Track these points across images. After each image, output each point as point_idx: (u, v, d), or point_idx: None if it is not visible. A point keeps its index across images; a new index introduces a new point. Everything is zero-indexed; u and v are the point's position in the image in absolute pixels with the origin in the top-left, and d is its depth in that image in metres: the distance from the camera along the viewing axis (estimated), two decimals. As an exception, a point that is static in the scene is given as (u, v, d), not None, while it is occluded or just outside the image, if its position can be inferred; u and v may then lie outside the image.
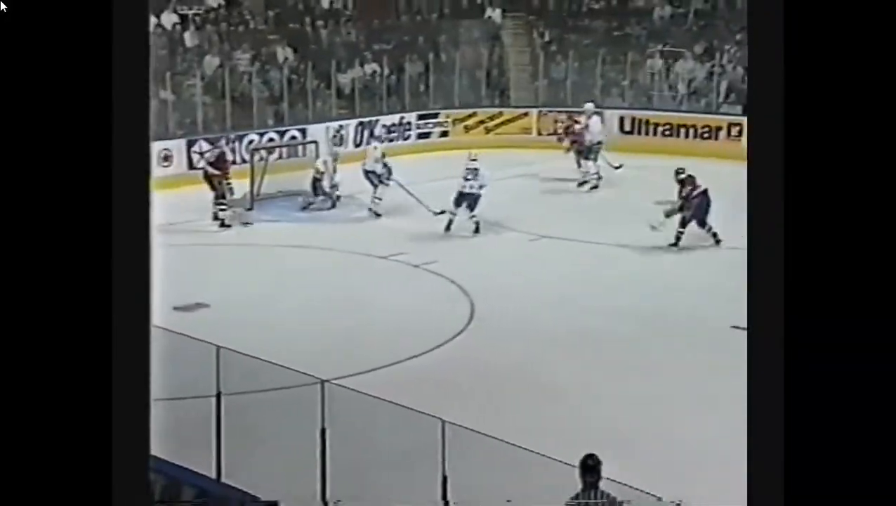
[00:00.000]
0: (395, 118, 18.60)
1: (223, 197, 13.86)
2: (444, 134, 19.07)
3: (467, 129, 19.35)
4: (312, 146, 16.41)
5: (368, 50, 19.39)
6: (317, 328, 10.13)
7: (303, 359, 7.88)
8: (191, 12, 18.13)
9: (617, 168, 16.46)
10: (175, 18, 17.82)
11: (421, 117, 18.98)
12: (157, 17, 17.54)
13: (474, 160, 13.60)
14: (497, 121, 19.50)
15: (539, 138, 19.09)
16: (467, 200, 13.32)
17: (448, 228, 13.33)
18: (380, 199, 14.43)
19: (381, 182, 14.48)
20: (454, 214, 13.34)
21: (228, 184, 14.00)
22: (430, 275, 11.94)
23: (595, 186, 16.01)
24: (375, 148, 15.30)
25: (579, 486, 5.33)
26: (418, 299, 11.14)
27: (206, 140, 16.14)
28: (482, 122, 19.46)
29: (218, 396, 7.01)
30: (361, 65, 18.98)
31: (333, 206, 14.87)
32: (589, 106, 16.77)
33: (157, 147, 15.82)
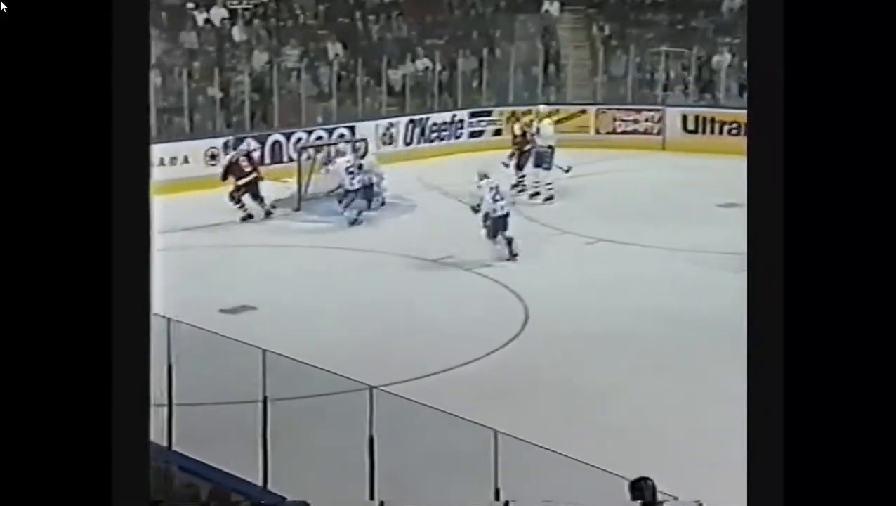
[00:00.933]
0: (447, 116, 18.62)
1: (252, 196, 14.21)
2: (498, 132, 19.04)
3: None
4: (361, 144, 16.52)
5: (420, 45, 19.42)
6: (366, 332, 10.21)
7: (351, 364, 7.98)
8: (240, 7, 18.25)
9: (567, 171, 15.54)
10: (224, 14, 17.97)
11: (473, 115, 18.96)
12: (207, 11, 17.80)
13: (486, 177, 12.76)
14: (553, 118, 19.37)
15: (597, 137, 19.03)
16: (498, 224, 12.51)
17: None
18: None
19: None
20: (495, 244, 12.50)
21: (243, 188, 14.19)
22: (482, 279, 11.97)
23: (550, 198, 15.22)
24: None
25: None
26: (469, 304, 11.19)
27: (254, 138, 16.34)
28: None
29: (264, 401, 7.13)
30: (413, 60, 19.03)
31: (383, 203, 14.89)
32: (542, 108, 16.49)
33: (204, 145, 16.09)
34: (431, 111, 18.56)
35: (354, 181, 14.24)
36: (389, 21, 19.73)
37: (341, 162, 14.43)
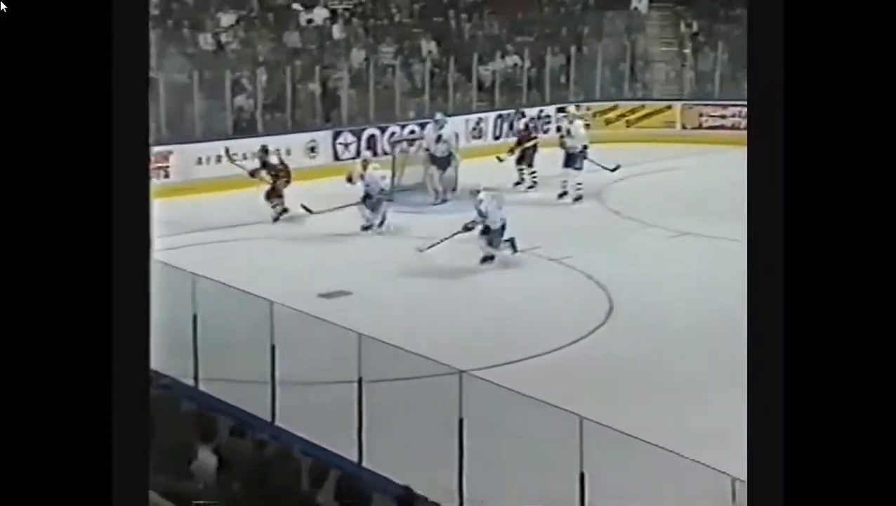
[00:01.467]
0: (535, 111, 18.55)
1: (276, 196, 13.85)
2: (586, 127, 18.91)
3: (608, 122, 19.17)
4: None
5: (510, 42, 19.41)
6: (455, 319, 10.29)
7: (441, 348, 8.05)
8: (340, 7, 18.49)
9: (613, 170, 15.20)
10: (325, 13, 18.21)
11: (560, 110, 18.79)
12: (310, 11, 18.08)
13: (478, 192, 12.38)
14: (639, 114, 19.25)
15: (683, 132, 18.78)
16: (498, 234, 12.15)
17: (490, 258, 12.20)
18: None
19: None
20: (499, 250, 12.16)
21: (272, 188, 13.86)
22: (567, 269, 11.94)
23: (578, 198, 14.81)
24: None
25: None
26: (555, 294, 11.17)
27: (351, 132, 16.55)
28: (623, 115, 19.24)
29: (359, 382, 7.24)
30: (502, 57, 19.01)
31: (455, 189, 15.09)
32: (572, 108, 16.10)
33: (304, 138, 16.35)
34: (521, 106, 18.49)
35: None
36: (481, 19, 19.75)
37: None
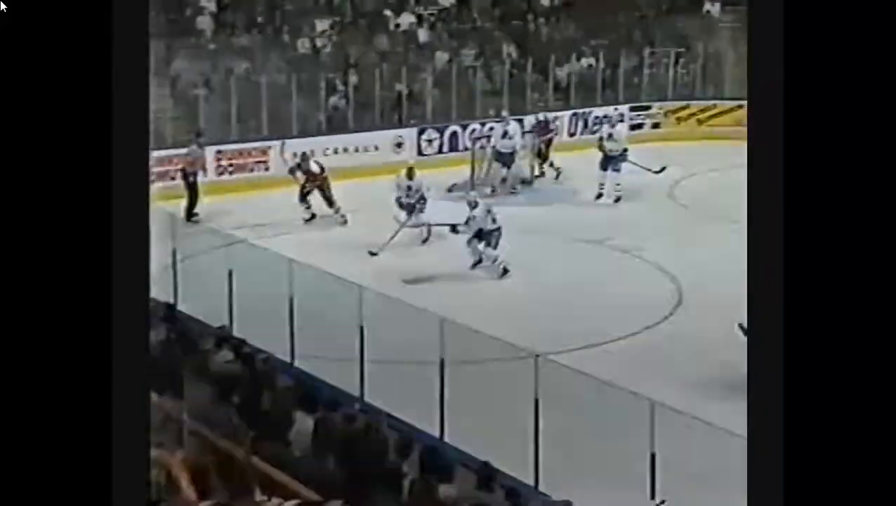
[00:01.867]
0: (609, 110, 18.37)
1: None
2: (656, 126, 18.69)
3: (679, 120, 18.88)
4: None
5: (586, 45, 19.25)
6: (532, 304, 10.27)
7: (518, 332, 8.03)
8: (425, 12, 18.59)
9: (658, 172, 14.57)
10: (412, 19, 18.34)
11: (633, 109, 18.67)
12: (398, 16, 18.22)
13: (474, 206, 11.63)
14: (710, 113, 18.89)
15: (751, 131, 18.36)
16: (487, 237, 11.45)
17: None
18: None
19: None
20: (481, 254, 11.35)
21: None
22: (639, 261, 11.81)
23: (618, 199, 14.24)
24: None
25: None
26: (627, 283, 11.06)
27: (434, 129, 16.60)
28: (694, 114, 18.93)
29: (441, 363, 7.27)
30: (578, 59, 18.89)
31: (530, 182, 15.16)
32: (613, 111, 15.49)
33: (390, 134, 16.46)
34: (594, 105, 18.36)
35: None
36: (558, 23, 19.64)
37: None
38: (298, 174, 13.56)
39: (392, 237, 11.97)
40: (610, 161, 14.28)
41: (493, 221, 11.43)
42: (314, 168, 13.54)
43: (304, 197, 13.38)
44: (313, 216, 13.39)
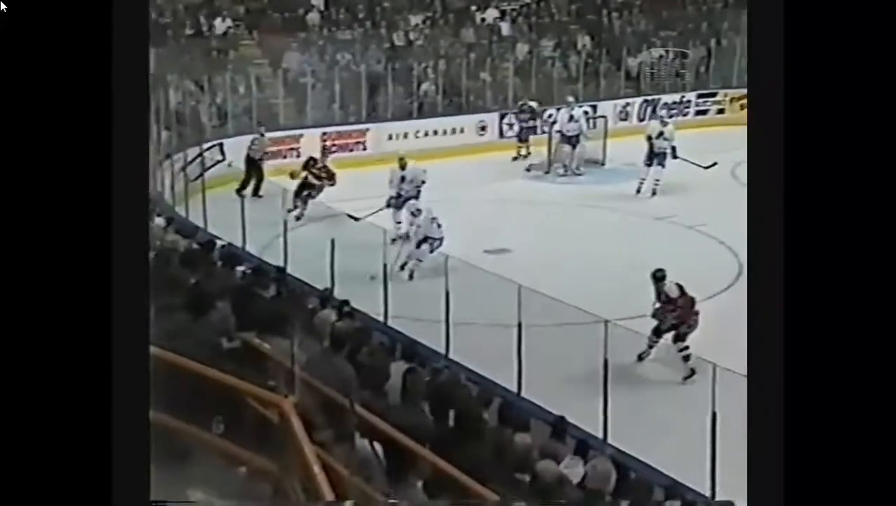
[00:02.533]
0: (676, 97, 17.98)
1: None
2: (721, 111, 18.17)
3: (742, 107, 18.29)
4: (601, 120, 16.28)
5: (656, 37, 18.84)
6: (601, 276, 10.14)
7: (589, 300, 7.93)
8: (508, 7, 18.45)
9: (707, 167, 13.51)
10: (496, 13, 18.22)
11: (700, 96, 18.19)
12: (483, 11, 18.12)
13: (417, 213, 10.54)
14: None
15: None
16: (431, 243, 10.16)
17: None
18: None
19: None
20: (418, 261, 10.01)
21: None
22: (701, 236, 11.56)
23: (654, 193, 13.21)
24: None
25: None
26: (690, 256, 10.84)
27: (514, 114, 16.47)
28: (756, 100, 18.36)
29: (519, 326, 7.25)
30: (649, 50, 18.50)
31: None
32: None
33: (475, 118, 16.40)
34: (663, 93, 17.96)
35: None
36: (631, 16, 19.25)
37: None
38: (304, 173, 12.41)
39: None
40: (656, 157, 13.48)
41: (439, 226, 10.31)
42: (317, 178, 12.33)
43: (299, 193, 11.96)
44: (301, 215, 11.77)
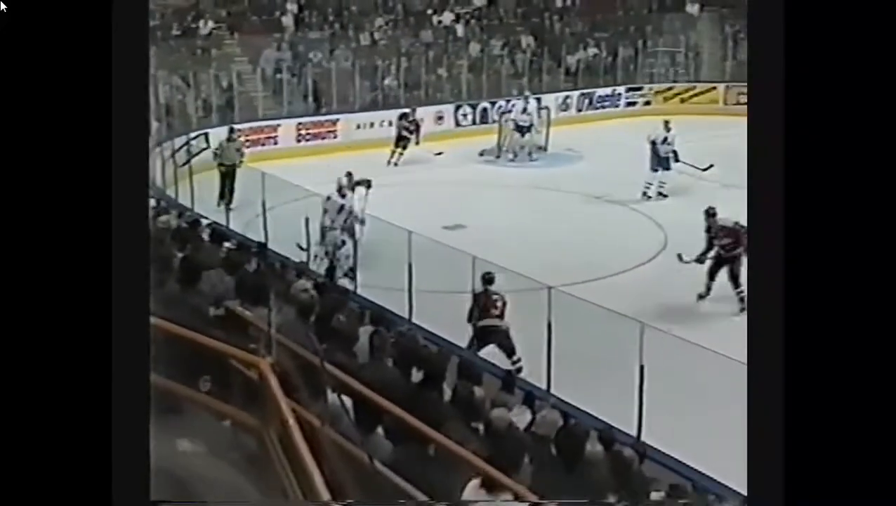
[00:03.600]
0: (609, 90, 18.07)
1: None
2: (647, 103, 18.29)
3: (665, 99, 18.44)
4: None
5: (591, 37, 18.85)
6: (545, 247, 10.14)
7: (534, 268, 7.94)
8: (462, 11, 18.33)
9: (705, 169, 12.53)
10: (451, 16, 18.10)
11: (629, 90, 18.29)
12: (440, 15, 17.97)
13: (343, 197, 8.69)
14: (690, 93, 18.45)
15: (724, 107, 17.93)
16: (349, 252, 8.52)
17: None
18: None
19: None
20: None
21: None
22: (633, 212, 11.64)
23: (661, 194, 12.28)
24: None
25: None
26: (622, 230, 10.91)
27: (469, 104, 16.39)
28: (678, 94, 18.47)
29: (473, 293, 7.22)
30: (585, 49, 18.50)
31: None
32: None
33: (433, 110, 16.26)
34: (597, 87, 18.02)
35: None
36: (569, 19, 19.25)
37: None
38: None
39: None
40: (661, 162, 12.58)
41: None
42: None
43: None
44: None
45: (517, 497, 2.84)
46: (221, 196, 11.13)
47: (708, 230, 8.38)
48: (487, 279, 7.18)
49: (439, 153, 13.79)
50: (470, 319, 7.13)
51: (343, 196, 8.82)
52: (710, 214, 8.44)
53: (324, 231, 8.29)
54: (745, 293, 7.42)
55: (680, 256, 8.53)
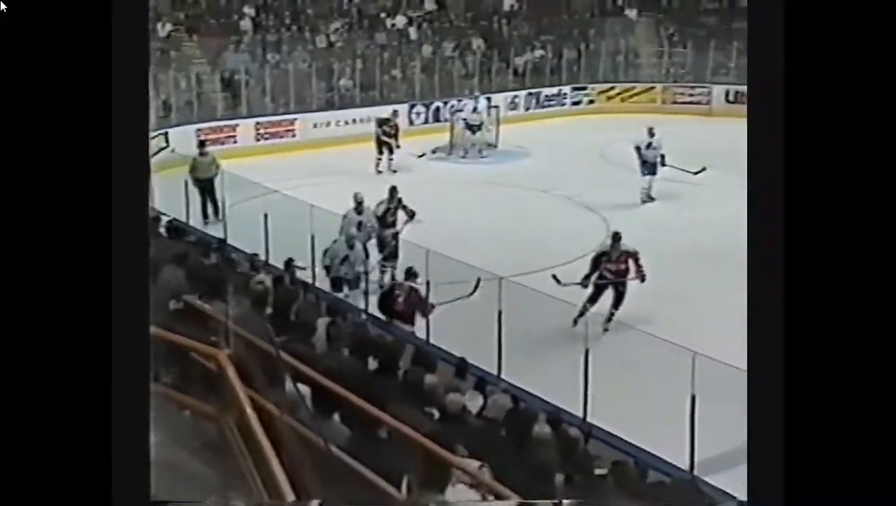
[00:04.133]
0: (555, 90, 18.20)
1: None
2: (591, 102, 18.47)
3: (608, 98, 18.65)
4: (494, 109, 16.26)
5: (537, 40, 18.94)
6: (495, 239, 10.18)
7: (484, 259, 7.96)
8: (414, 15, 18.21)
9: (696, 173, 11.96)
10: (404, 20, 17.97)
11: (574, 89, 18.44)
12: (393, 18, 17.82)
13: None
14: (631, 92, 18.67)
15: (662, 105, 18.21)
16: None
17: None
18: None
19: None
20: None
21: None
22: (577, 205, 11.73)
23: (650, 199, 11.79)
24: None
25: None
26: (567, 221, 11.00)
27: (423, 104, 16.33)
28: (619, 93, 18.69)
29: (427, 283, 7.21)
30: (532, 51, 18.58)
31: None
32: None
33: (387, 109, 16.10)
34: (544, 86, 18.13)
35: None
36: (516, 23, 19.29)
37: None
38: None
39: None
40: (648, 166, 11.82)
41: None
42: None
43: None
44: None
45: (498, 497, 2.77)
46: (205, 214, 10.27)
47: (602, 255, 7.65)
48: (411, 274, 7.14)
49: (421, 155, 13.45)
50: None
51: (360, 212, 8.44)
52: (616, 238, 7.78)
53: (351, 242, 7.89)
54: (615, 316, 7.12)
55: (556, 278, 7.49)
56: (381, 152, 13.05)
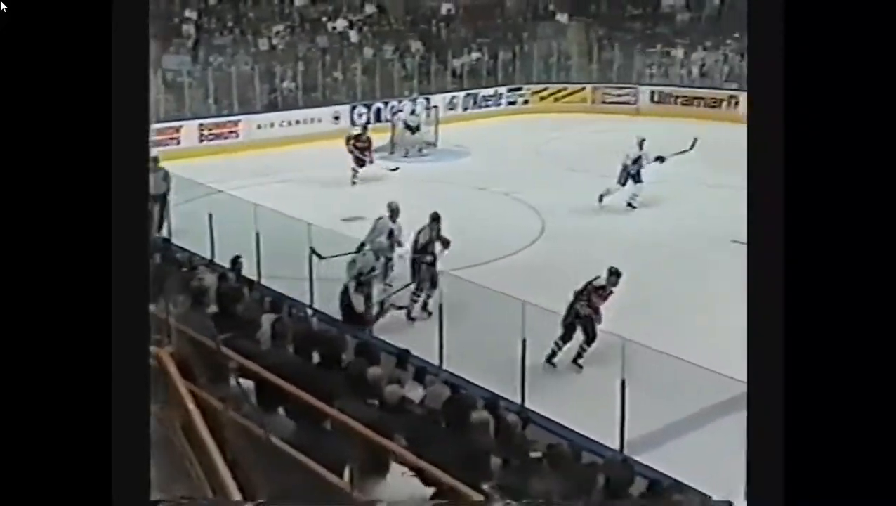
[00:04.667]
0: (491, 91, 18.31)
1: None
2: (526, 102, 18.65)
3: (542, 98, 18.86)
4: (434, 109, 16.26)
5: (474, 43, 19.01)
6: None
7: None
8: (355, 18, 18.06)
9: (662, 161, 11.36)
10: (345, 23, 17.80)
11: (510, 90, 18.60)
12: (334, 21, 17.65)
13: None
14: (563, 93, 18.93)
15: (592, 105, 18.54)
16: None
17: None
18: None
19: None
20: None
21: None
22: (514, 201, 11.83)
23: (632, 206, 11.19)
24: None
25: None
26: (505, 217, 11.08)
27: (364, 105, 16.21)
28: (552, 94, 18.92)
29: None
30: (468, 53, 18.64)
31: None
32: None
33: (330, 110, 15.97)
34: (481, 87, 18.22)
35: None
36: (454, 26, 19.32)
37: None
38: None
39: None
40: (631, 177, 11.16)
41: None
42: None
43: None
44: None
45: (487, 496, 2.69)
46: (159, 228, 9.41)
47: (581, 292, 6.80)
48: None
49: (395, 169, 13.03)
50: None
51: (393, 221, 7.83)
52: (613, 274, 6.89)
53: (378, 254, 7.35)
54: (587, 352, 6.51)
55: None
56: (361, 165, 12.62)
